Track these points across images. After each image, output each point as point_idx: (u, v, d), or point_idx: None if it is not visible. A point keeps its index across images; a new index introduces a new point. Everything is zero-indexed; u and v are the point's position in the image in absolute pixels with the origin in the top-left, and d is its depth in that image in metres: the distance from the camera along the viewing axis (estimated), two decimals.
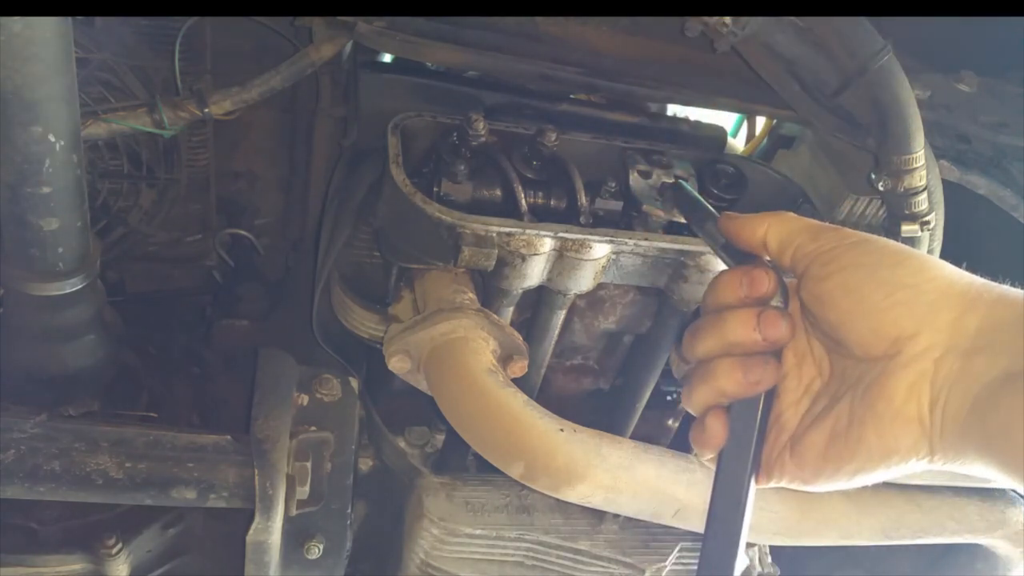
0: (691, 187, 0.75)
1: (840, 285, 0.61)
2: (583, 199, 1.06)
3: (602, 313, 1.22)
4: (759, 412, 0.63)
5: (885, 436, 0.57)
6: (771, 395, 0.64)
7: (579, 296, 1.12)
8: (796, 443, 0.63)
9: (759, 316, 0.62)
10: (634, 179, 1.10)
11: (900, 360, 0.57)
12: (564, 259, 1.03)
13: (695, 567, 1.19)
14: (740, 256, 0.67)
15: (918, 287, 0.58)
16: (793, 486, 0.63)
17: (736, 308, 0.64)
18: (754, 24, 1.01)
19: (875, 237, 0.63)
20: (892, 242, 0.62)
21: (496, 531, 1.11)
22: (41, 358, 1.10)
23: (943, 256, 1.14)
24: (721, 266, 1.03)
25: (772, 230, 0.65)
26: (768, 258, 0.66)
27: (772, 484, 0.64)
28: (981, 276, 0.59)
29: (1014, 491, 1.26)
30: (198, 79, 1.27)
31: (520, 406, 0.94)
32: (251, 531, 1.01)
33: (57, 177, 0.90)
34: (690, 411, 0.67)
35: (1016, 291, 0.57)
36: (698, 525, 1.05)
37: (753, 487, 0.64)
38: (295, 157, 1.52)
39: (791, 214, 0.66)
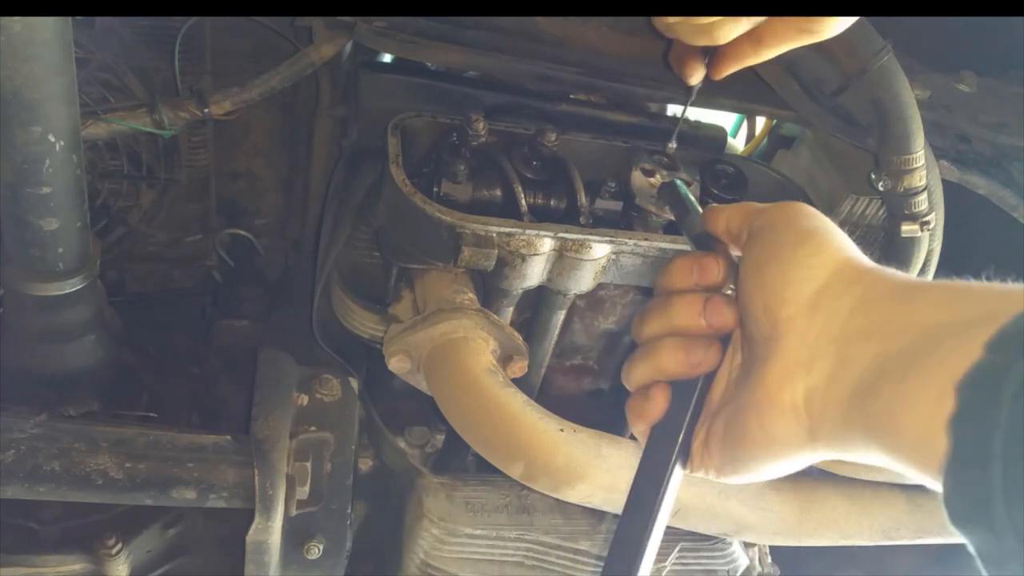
0: (685, 188, 0.75)
1: (751, 265, 0.61)
2: (583, 199, 1.06)
3: (602, 313, 1.22)
4: (695, 394, 0.63)
5: (765, 425, 0.56)
6: (709, 379, 0.63)
7: (579, 296, 1.12)
8: (709, 432, 0.63)
9: (705, 302, 0.62)
10: (634, 179, 1.10)
11: (778, 346, 0.56)
12: (564, 259, 1.03)
13: (695, 567, 1.20)
14: (705, 245, 0.67)
15: (812, 268, 0.57)
16: (710, 477, 0.63)
17: (685, 292, 0.64)
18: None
19: (801, 215, 0.61)
20: (809, 220, 0.60)
21: (496, 531, 1.11)
22: (41, 358, 1.10)
23: (942, 256, 1.15)
24: None
25: (730, 218, 0.65)
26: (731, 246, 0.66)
27: (698, 474, 0.64)
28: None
29: None
30: (198, 79, 1.28)
31: (520, 406, 0.94)
32: (251, 531, 1.01)
33: (57, 177, 0.90)
34: (627, 386, 0.67)
35: (893, 271, 0.56)
36: (698, 525, 1.05)
37: (679, 472, 0.63)
38: (295, 157, 1.52)
39: (751, 203, 0.66)
